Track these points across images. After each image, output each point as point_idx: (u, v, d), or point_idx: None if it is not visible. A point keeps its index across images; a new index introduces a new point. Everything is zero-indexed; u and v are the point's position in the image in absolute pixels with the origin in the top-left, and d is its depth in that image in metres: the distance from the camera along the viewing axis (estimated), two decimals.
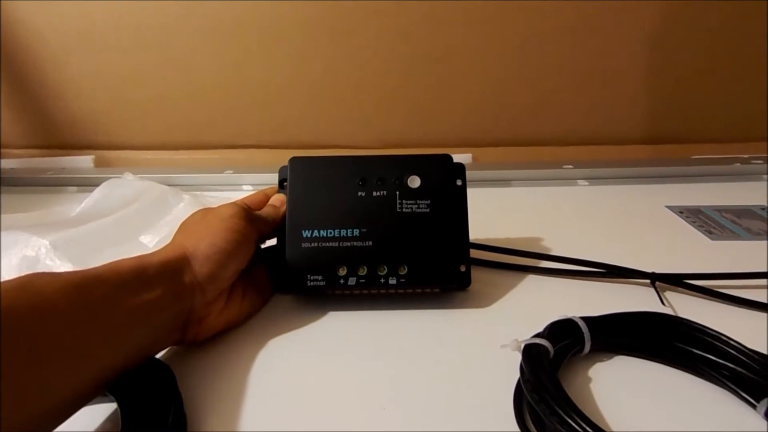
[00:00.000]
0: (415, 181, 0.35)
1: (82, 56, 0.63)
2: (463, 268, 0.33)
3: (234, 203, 0.33)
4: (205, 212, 0.33)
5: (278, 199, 0.36)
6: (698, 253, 0.42)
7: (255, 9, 0.61)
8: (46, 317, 0.21)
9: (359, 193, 0.35)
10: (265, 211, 0.35)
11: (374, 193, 0.35)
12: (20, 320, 0.21)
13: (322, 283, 0.33)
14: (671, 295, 0.35)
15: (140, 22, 0.62)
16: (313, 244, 0.34)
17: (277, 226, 0.35)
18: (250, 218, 0.32)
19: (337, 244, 0.33)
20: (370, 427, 0.25)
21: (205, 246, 0.29)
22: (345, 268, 0.33)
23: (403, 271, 0.33)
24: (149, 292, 0.26)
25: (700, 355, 0.27)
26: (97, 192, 0.51)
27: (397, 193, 0.35)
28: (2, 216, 0.45)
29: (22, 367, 0.20)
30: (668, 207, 0.51)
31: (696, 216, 0.49)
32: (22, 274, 0.23)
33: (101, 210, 0.48)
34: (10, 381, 0.19)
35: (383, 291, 0.34)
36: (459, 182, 0.35)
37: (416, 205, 0.34)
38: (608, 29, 0.62)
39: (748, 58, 0.63)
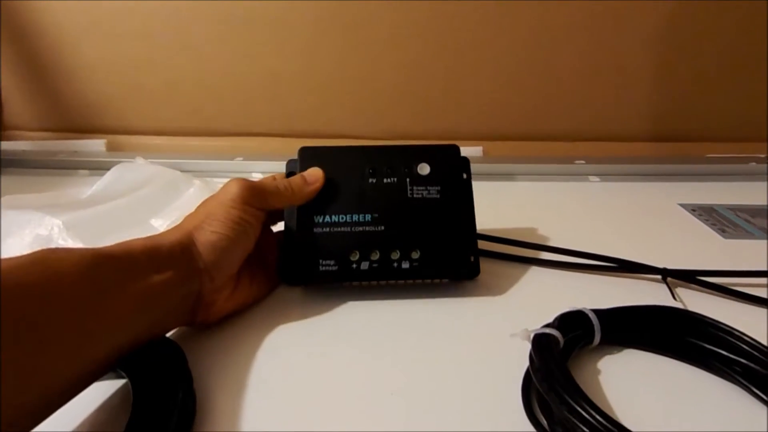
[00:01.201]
0: (424, 168, 0.35)
1: (96, 42, 0.63)
2: (472, 258, 0.33)
3: (237, 182, 0.31)
4: (210, 198, 0.31)
5: (312, 175, 0.34)
6: (710, 251, 0.42)
7: None
8: (58, 293, 0.22)
9: (370, 180, 0.35)
10: (283, 184, 0.33)
11: (385, 180, 0.35)
12: (33, 295, 0.21)
13: (334, 268, 0.33)
14: (683, 292, 0.35)
15: (154, 8, 0.62)
16: (325, 230, 0.33)
17: (295, 201, 0.34)
18: (258, 196, 0.31)
19: (349, 229, 0.33)
20: (378, 412, 0.25)
21: (208, 233, 0.29)
22: (357, 252, 0.33)
23: (416, 255, 0.33)
24: (160, 274, 0.26)
25: (712, 350, 0.27)
26: (109, 175, 0.51)
27: (408, 179, 0.35)
28: (16, 196, 0.45)
29: (33, 342, 0.20)
30: (681, 205, 0.51)
31: (709, 214, 0.48)
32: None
33: (113, 193, 0.48)
34: (22, 355, 0.20)
35: (392, 282, 0.33)
36: (464, 176, 0.36)
37: (427, 191, 0.35)
38: (621, 25, 0.61)
39: (762, 55, 0.61)
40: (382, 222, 0.34)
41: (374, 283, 0.33)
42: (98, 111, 0.66)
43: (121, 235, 0.39)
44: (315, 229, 0.34)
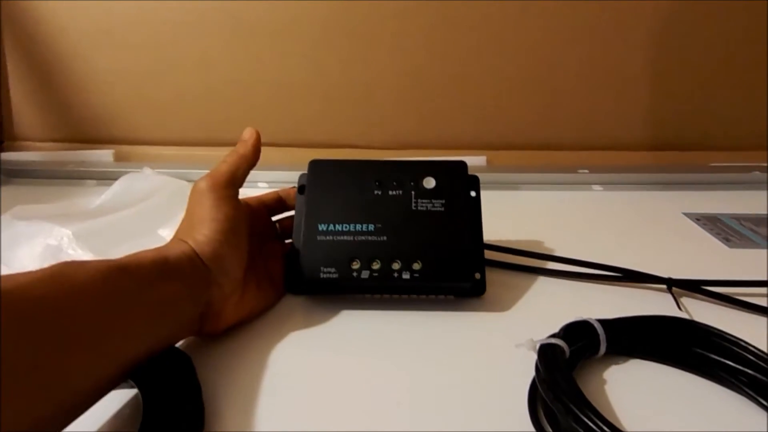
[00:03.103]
0: (430, 182, 0.36)
1: (104, 53, 0.65)
2: (477, 276, 0.33)
3: (203, 181, 0.31)
4: (188, 207, 0.32)
5: (246, 132, 0.35)
6: (715, 261, 0.42)
7: (273, 8, 0.62)
8: (74, 308, 0.22)
9: (375, 192, 0.35)
10: (228, 160, 0.33)
11: (390, 193, 0.35)
12: (52, 309, 0.21)
13: (335, 276, 0.33)
14: (688, 302, 0.35)
15: (160, 20, 0.63)
16: (328, 238, 0.34)
17: (249, 160, 0.33)
18: (225, 184, 0.31)
19: (351, 238, 0.34)
20: (384, 423, 0.25)
21: (201, 241, 0.29)
22: (359, 261, 0.33)
23: (417, 267, 0.33)
24: (169, 285, 0.26)
25: (718, 360, 0.27)
26: (117, 185, 0.52)
27: (413, 192, 0.35)
28: (26, 207, 0.46)
29: (51, 356, 0.20)
30: (685, 214, 0.51)
31: (713, 223, 0.48)
32: (45, 262, 0.23)
33: (121, 203, 0.49)
34: (40, 368, 0.20)
35: (396, 296, 0.34)
36: (473, 194, 0.36)
37: (431, 204, 0.35)
38: (625, 33, 0.62)
39: (764, 64, 0.62)
40: (384, 232, 0.34)
41: (377, 295, 0.34)
42: (106, 121, 0.67)
43: (129, 245, 0.40)
44: (318, 237, 0.34)
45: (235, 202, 0.31)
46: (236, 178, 0.33)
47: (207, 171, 0.59)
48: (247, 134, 0.35)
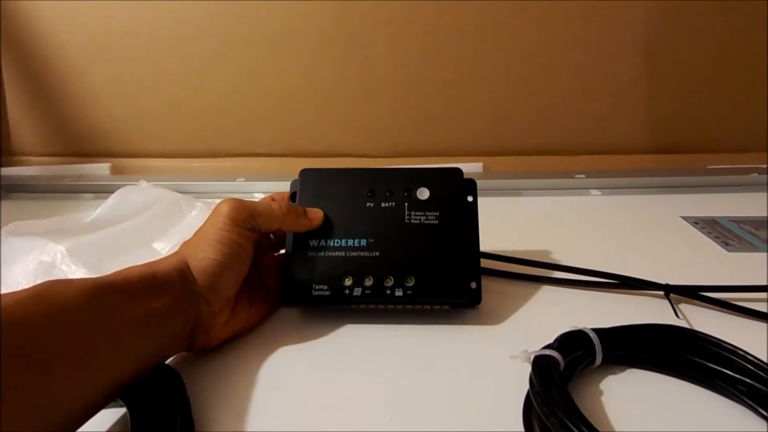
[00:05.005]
0: (423, 193, 0.35)
1: (100, 67, 0.65)
2: (473, 285, 0.33)
3: (227, 202, 0.31)
4: (205, 221, 0.31)
5: (313, 212, 0.35)
6: (714, 265, 0.41)
7: (268, 19, 0.62)
8: (61, 327, 0.22)
9: (368, 204, 0.35)
10: (271, 206, 0.33)
11: (382, 204, 0.35)
12: (36, 331, 0.21)
13: (327, 293, 0.32)
14: (686, 308, 0.35)
15: (156, 33, 0.63)
16: (319, 254, 0.33)
17: (286, 227, 0.33)
18: (247, 218, 0.31)
19: (343, 254, 0.33)
20: None
21: (200, 258, 0.29)
22: (351, 278, 0.33)
23: (410, 283, 0.32)
24: (157, 300, 0.26)
25: (716, 369, 0.26)
26: (112, 199, 0.52)
27: (406, 204, 0.35)
28: (21, 223, 0.46)
29: (37, 377, 0.20)
30: (683, 217, 0.50)
31: (712, 227, 0.48)
32: (38, 279, 0.23)
33: (116, 216, 0.48)
34: (27, 391, 0.20)
35: (390, 306, 0.33)
36: (470, 198, 0.35)
37: (425, 217, 0.34)
38: (620, 38, 0.62)
39: (762, 66, 0.62)
40: (377, 247, 0.33)
41: (372, 306, 0.33)
42: (103, 135, 0.67)
43: (124, 259, 0.40)
44: (309, 253, 0.34)
45: (247, 233, 0.31)
46: (258, 224, 0.31)
47: (201, 182, 0.61)
48: (313, 214, 0.34)
